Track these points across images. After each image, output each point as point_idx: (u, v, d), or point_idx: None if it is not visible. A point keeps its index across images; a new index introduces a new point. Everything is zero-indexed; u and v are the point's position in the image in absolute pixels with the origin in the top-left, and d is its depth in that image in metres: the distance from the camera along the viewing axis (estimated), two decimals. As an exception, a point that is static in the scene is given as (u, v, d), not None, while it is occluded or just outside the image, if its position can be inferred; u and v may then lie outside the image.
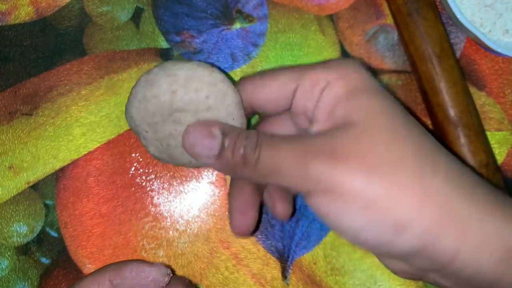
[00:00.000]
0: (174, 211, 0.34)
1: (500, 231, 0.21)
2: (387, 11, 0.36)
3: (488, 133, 0.35)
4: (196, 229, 0.35)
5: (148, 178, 0.35)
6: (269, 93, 0.25)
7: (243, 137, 0.23)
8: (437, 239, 0.21)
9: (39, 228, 0.34)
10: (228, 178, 0.35)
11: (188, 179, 0.35)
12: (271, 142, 0.23)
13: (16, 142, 0.35)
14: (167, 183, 0.35)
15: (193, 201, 0.35)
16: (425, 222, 0.21)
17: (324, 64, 0.24)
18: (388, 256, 0.24)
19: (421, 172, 0.21)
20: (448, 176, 0.22)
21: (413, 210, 0.21)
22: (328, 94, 0.23)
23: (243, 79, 0.27)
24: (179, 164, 0.28)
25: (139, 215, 0.34)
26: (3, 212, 0.34)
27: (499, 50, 0.32)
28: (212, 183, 0.35)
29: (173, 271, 0.34)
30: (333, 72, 0.24)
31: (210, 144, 0.24)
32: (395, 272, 0.25)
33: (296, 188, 0.23)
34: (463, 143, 0.32)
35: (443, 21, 0.34)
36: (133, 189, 0.35)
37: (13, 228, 0.34)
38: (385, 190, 0.21)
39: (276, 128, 0.28)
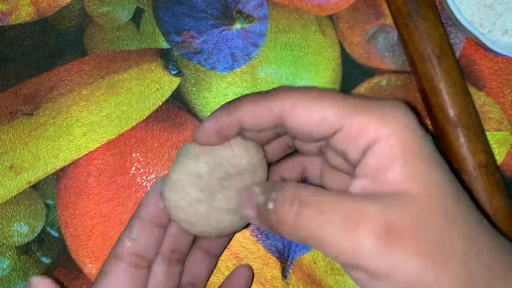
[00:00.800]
0: (174, 211, 0.35)
1: None
2: (386, 11, 0.36)
3: (487, 133, 0.35)
4: (197, 228, 0.35)
5: (149, 178, 0.35)
6: (309, 122, 0.23)
7: (276, 189, 0.22)
8: None
9: (40, 227, 0.34)
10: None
11: (189, 179, 0.35)
12: (313, 200, 0.21)
13: (17, 142, 0.35)
14: (168, 183, 0.35)
15: (193, 201, 0.35)
16: None
17: (375, 109, 0.22)
18: None
19: (465, 258, 0.20)
20: (489, 261, 0.21)
21: None
22: (381, 151, 0.21)
23: (285, 90, 0.24)
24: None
25: (140, 214, 0.34)
26: (4, 211, 0.34)
27: (498, 50, 0.32)
28: (212, 183, 0.35)
29: None
30: (387, 125, 0.21)
31: (251, 203, 0.23)
32: None
33: (341, 260, 0.20)
34: (462, 143, 0.32)
35: (443, 21, 0.34)
36: (134, 189, 0.35)
37: (13, 228, 0.34)
38: (435, 279, 0.20)
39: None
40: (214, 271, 0.34)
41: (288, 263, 0.34)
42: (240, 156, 0.26)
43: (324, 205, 0.20)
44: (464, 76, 0.35)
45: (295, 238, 0.21)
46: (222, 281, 0.34)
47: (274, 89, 0.24)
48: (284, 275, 0.34)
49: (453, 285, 0.20)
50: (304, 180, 0.30)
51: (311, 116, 0.23)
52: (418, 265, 0.19)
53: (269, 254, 0.34)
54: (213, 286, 0.34)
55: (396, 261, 0.19)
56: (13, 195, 0.34)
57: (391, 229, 0.19)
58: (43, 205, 0.35)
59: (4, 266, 0.34)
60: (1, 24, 0.36)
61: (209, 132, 0.25)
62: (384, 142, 0.21)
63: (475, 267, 0.20)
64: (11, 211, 0.34)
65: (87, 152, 0.35)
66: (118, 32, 0.36)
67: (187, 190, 0.26)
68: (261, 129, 0.25)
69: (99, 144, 0.35)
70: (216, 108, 0.35)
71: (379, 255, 0.19)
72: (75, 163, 0.35)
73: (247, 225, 0.29)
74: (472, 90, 0.35)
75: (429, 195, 0.20)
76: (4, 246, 0.34)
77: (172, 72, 0.36)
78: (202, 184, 0.26)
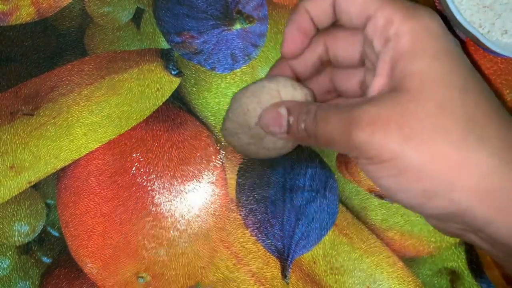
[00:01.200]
0: (174, 211, 0.35)
1: None
2: (386, 11, 0.36)
3: (487, 133, 0.35)
4: (197, 228, 0.35)
5: (149, 177, 0.35)
6: (353, 3, 0.25)
7: (304, 113, 0.26)
8: (469, 209, 0.21)
9: (41, 227, 0.34)
10: (229, 178, 0.35)
11: (189, 178, 0.35)
12: (324, 115, 0.24)
13: (17, 142, 0.35)
14: (168, 183, 0.35)
15: (193, 200, 0.35)
16: (456, 192, 0.21)
17: (404, 6, 0.23)
18: (424, 215, 0.24)
19: (463, 143, 0.21)
20: (496, 151, 0.21)
21: (445, 180, 0.21)
22: (395, 47, 0.23)
23: None
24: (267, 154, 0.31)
25: (140, 214, 0.35)
26: (4, 211, 0.34)
27: (498, 50, 0.32)
28: (212, 182, 0.35)
29: None
30: (408, 23, 0.23)
31: (279, 122, 0.27)
32: (434, 227, 0.25)
33: (347, 153, 0.24)
34: (462, 143, 0.32)
35: (442, 21, 0.34)
36: (134, 188, 0.35)
37: (14, 228, 0.34)
38: (419, 158, 0.21)
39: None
40: (215, 270, 0.34)
41: (288, 263, 0.34)
42: None
43: (330, 117, 0.24)
44: (464, 76, 0.35)
45: (317, 145, 0.26)
46: (222, 281, 0.34)
47: None
48: (284, 274, 0.34)
49: (439, 164, 0.21)
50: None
51: (349, 4, 0.25)
52: (401, 147, 0.21)
53: (269, 253, 0.35)
54: (213, 286, 0.34)
55: (378, 144, 0.22)
56: (14, 195, 0.35)
57: (375, 120, 0.22)
58: (44, 205, 0.35)
59: (5, 265, 0.34)
60: (1, 24, 0.36)
61: (291, 35, 0.28)
62: (400, 38, 0.23)
63: (476, 152, 0.21)
64: (11, 211, 0.34)
65: (87, 152, 0.35)
66: (118, 33, 0.36)
67: (239, 136, 0.30)
68: (324, 18, 0.27)
69: (99, 144, 0.35)
70: (216, 108, 0.36)
71: (366, 144, 0.22)
72: (75, 163, 0.35)
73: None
74: (472, 90, 0.36)
75: (423, 88, 0.22)
76: (5, 245, 0.34)
77: (173, 72, 0.36)
78: (251, 132, 0.29)
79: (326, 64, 0.29)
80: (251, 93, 0.28)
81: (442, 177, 0.21)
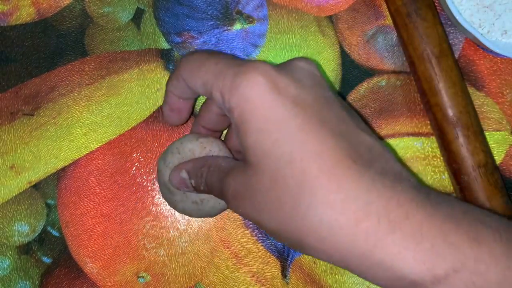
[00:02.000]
0: (174, 211, 0.35)
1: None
2: (386, 12, 0.36)
3: (486, 133, 0.35)
4: (197, 228, 0.35)
5: (149, 177, 0.35)
6: (197, 86, 0.27)
7: (199, 177, 0.29)
8: (323, 259, 0.24)
9: (41, 227, 0.35)
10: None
11: (189, 178, 0.35)
12: (210, 184, 0.28)
13: (17, 142, 0.35)
14: (168, 183, 0.35)
15: (193, 200, 0.35)
16: (307, 250, 0.23)
17: (230, 77, 0.24)
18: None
19: (295, 213, 0.23)
20: (327, 216, 0.22)
21: (295, 241, 0.23)
22: (231, 119, 0.25)
23: (184, 59, 0.28)
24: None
25: (140, 214, 0.35)
26: (4, 211, 0.34)
27: (497, 50, 0.32)
28: (212, 182, 0.35)
29: None
30: (234, 94, 0.24)
31: (184, 184, 0.30)
32: None
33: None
34: (461, 143, 0.32)
35: (442, 21, 0.34)
36: (134, 188, 0.35)
37: (14, 228, 0.34)
38: (273, 226, 0.24)
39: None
40: (215, 270, 0.34)
41: (288, 263, 0.34)
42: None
43: (213, 186, 0.27)
44: (463, 76, 0.36)
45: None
46: (222, 281, 0.34)
47: (183, 56, 0.29)
48: (284, 274, 0.34)
49: (285, 232, 0.24)
50: None
51: (196, 81, 0.27)
52: (259, 217, 0.24)
53: (269, 253, 0.35)
54: (213, 286, 0.34)
55: (245, 216, 0.25)
56: (14, 195, 0.35)
57: (235, 194, 0.25)
58: (44, 205, 0.35)
59: (5, 265, 0.34)
60: (2, 25, 0.36)
61: (167, 114, 0.31)
62: (232, 112, 0.24)
63: (309, 219, 0.23)
64: (12, 210, 0.34)
65: (87, 152, 0.35)
66: (118, 33, 0.36)
67: (169, 197, 0.32)
68: (188, 95, 0.29)
69: (99, 144, 0.35)
70: (216, 108, 0.36)
71: (238, 213, 0.26)
72: (75, 163, 0.35)
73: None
74: (471, 90, 0.36)
75: (257, 162, 0.24)
76: (5, 245, 0.34)
77: (173, 72, 0.36)
78: (172, 189, 0.31)
79: None
80: (162, 156, 0.31)
81: (293, 239, 0.23)
